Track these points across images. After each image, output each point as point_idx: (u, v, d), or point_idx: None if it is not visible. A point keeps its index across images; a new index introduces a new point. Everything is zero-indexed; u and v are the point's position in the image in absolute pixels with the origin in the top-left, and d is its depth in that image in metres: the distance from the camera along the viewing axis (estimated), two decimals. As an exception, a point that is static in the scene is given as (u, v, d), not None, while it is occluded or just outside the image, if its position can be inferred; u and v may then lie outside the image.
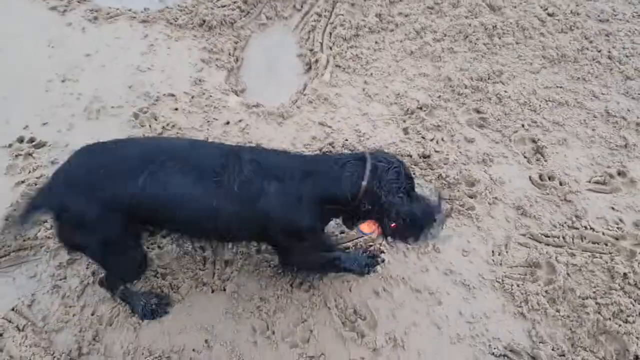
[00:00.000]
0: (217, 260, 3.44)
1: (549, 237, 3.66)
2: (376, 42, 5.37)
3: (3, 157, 4.02)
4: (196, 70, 4.96)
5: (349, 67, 5.06)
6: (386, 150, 3.98)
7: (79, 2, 5.65)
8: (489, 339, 3.14)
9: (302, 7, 5.83)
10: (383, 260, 3.43)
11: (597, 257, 3.53)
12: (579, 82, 4.93)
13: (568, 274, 3.42)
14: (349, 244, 3.59)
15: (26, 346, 2.98)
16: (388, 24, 5.56)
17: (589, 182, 4.06)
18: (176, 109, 4.51)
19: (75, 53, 5.06)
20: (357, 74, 5.02)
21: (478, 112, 4.61)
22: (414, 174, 4.03)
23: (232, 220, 2.71)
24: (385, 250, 3.52)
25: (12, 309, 3.17)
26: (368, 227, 2.93)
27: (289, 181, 2.71)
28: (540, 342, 3.11)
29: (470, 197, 3.90)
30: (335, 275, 3.37)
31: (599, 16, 5.65)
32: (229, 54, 5.18)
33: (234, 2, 5.65)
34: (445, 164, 4.12)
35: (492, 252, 3.58)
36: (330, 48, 5.28)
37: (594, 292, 3.33)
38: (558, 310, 3.25)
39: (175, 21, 5.50)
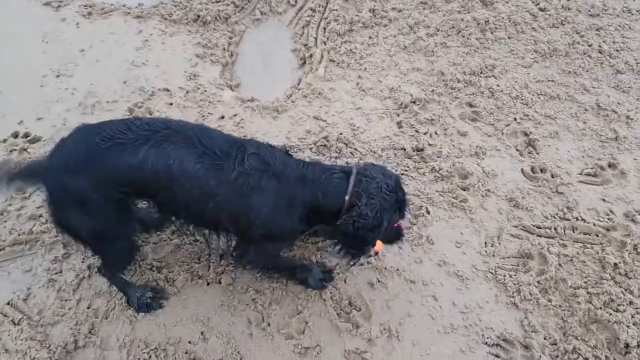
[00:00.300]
0: (212, 253, 3.46)
1: (540, 228, 3.69)
2: (370, 37, 5.40)
3: (-2, 152, 4.03)
4: (191, 65, 4.98)
5: (343, 62, 5.09)
6: (381, 162, 4.05)
7: (72, -3, 5.66)
8: (482, 328, 3.18)
9: (296, 2, 5.86)
10: (332, 279, 3.37)
11: (588, 248, 3.57)
12: (570, 76, 4.97)
13: (560, 265, 3.46)
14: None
15: (22, 340, 2.99)
16: (382, 19, 5.59)
17: (580, 174, 4.10)
18: (171, 104, 4.52)
19: (69, 48, 5.07)
20: (351, 68, 5.05)
21: (471, 105, 4.65)
22: (407, 167, 4.07)
23: (223, 206, 2.73)
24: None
25: (8, 303, 3.18)
26: None
27: (285, 182, 2.75)
28: (532, 332, 3.15)
29: (463, 189, 3.94)
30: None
31: (589, 11, 5.70)
32: (224, 49, 5.20)
33: (228, -2, 5.67)
34: (438, 157, 4.15)
35: (485, 243, 3.62)
36: (325, 43, 5.30)
37: (585, 282, 3.37)
38: (550, 300, 3.29)
39: (170, 16, 5.51)
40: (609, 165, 4.16)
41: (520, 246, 3.58)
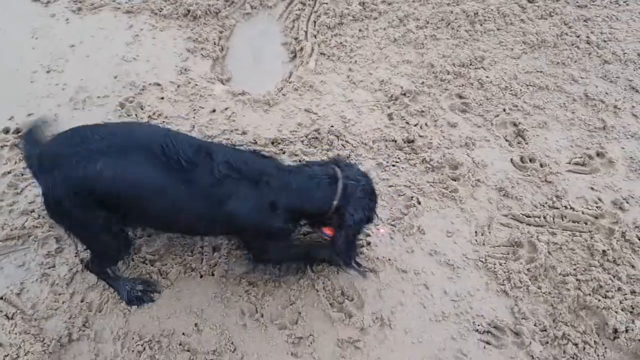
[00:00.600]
0: (205, 245, 3.48)
1: (530, 217, 3.73)
2: (360, 30, 5.42)
3: (-11, 148, 4.03)
4: (181, 60, 4.98)
5: (333, 55, 5.11)
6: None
7: (62, -7, 5.64)
8: (473, 316, 3.21)
9: (286, -4, 5.87)
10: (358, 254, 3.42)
11: (577, 236, 3.61)
12: (559, 67, 5.01)
13: (549, 252, 3.50)
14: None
15: (16, 333, 3.01)
16: (371, 12, 5.60)
17: (569, 163, 4.14)
18: (162, 98, 4.53)
19: (59, 44, 5.07)
20: (341, 61, 5.07)
21: (460, 97, 4.68)
22: (398, 159, 4.10)
23: (198, 218, 2.77)
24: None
25: (1, 298, 3.19)
26: (330, 231, 3.08)
27: (264, 187, 2.78)
28: (522, 318, 3.19)
29: (454, 179, 3.97)
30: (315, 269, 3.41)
31: (577, 2, 5.73)
32: (214, 43, 5.20)
33: (218, -8, 5.67)
34: (429, 148, 4.18)
35: (476, 232, 3.65)
36: (315, 36, 5.32)
37: (574, 269, 3.41)
38: (540, 287, 3.33)
39: (160, 11, 5.50)
40: (597, 154, 4.20)
41: (510, 235, 3.62)
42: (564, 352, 3.04)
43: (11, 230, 3.50)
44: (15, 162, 3.92)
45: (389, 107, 4.58)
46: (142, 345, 3.01)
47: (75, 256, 3.39)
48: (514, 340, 3.10)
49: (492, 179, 3.99)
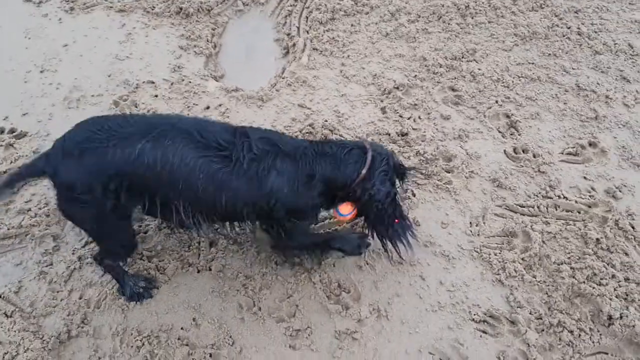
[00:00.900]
0: (202, 241, 3.50)
1: (524, 207, 3.77)
2: (352, 25, 5.44)
3: (-16, 148, 4.03)
4: (175, 57, 5.00)
5: (326, 50, 5.13)
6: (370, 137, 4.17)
7: (54, -7, 5.64)
8: (469, 305, 3.24)
9: (278, -8, 5.89)
10: (369, 245, 3.49)
11: (570, 225, 3.64)
12: (550, 58, 5.04)
13: (543, 242, 3.53)
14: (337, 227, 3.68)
15: (15, 331, 3.01)
16: (363, 7, 5.62)
17: (562, 153, 4.18)
18: (156, 96, 4.54)
19: (52, 44, 5.08)
20: (334, 56, 5.09)
21: (453, 90, 4.71)
22: (392, 152, 4.11)
23: (239, 197, 2.76)
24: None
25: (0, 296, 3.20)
26: (346, 208, 3.06)
27: (301, 160, 2.83)
28: (518, 307, 3.22)
29: (448, 171, 4.00)
30: (326, 258, 3.44)
31: (568, -6, 5.78)
32: (207, 41, 5.22)
33: (210, -11, 5.68)
34: (422, 141, 4.20)
35: (470, 223, 3.68)
36: (307, 32, 5.34)
37: (568, 258, 3.45)
38: (534, 276, 3.36)
39: (152, 9, 5.52)
40: (590, 144, 4.23)
41: (505, 225, 3.65)
42: (560, 339, 3.07)
43: (8, 229, 3.51)
44: (11, 162, 3.92)
45: (382, 101, 4.60)
46: (141, 341, 3.02)
47: (73, 254, 3.41)
48: (509, 329, 3.13)
49: (486, 170, 4.02)
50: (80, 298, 3.21)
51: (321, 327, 3.12)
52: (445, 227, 3.65)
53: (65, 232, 3.54)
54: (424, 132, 4.27)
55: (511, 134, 4.32)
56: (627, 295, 3.24)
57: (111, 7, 5.54)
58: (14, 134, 4.16)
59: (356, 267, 3.41)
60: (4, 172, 3.84)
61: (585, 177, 3.99)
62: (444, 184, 3.89)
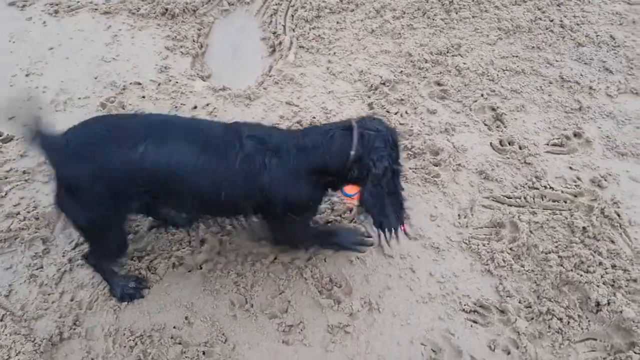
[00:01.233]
0: (193, 240, 3.50)
1: (511, 198, 3.81)
2: (337, 22, 5.46)
3: (-29, 153, 4.01)
4: (161, 58, 4.99)
5: (312, 48, 5.15)
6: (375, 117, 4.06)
7: (37, -4, 5.62)
8: (459, 296, 3.27)
9: (263, -9, 5.90)
10: (372, 244, 3.48)
11: (557, 214, 3.69)
12: (534, 51, 5.10)
13: (531, 231, 3.57)
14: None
15: (6, 335, 3.00)
16: (348, 4, 5.65)
17: (547, 144, 4.22)
18: (143, 97, 4.54)
19: (37, 47, 5.05)
20: (320, 53, 5.11)
21: (439, 84, 4.74)
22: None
23: (236, 194, 2.78)
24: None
25: (-10, 300, 3.19)
26: (352, 189, 2.99)
27: (285, 156, 2.78)
28: (507, 296, 3.26)
29: (435, 165, 4.03)
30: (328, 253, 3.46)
31: (550, -13, 5.83)
32: (193, 41, 5.22)
33: (195, -10, 5.68)
34: (410, 135, 4.23)
35: (458, 215, 3.72)
36: (293, 30, 5.35)
37: (555, 247, 3.49)
38: (523, 266, 3.40)
39: (138, 11, 5.50)
40: (575, 135, 4.28)
41: (492, 216, 3.69)
42: (549, 327, 3.11)
43: (-4, 233, 3.51)
44: (0, 165, 3.91)
45: (369, 97, 4.63)
46: (133, 341, 3.03)
47: (63, 256, 3.40)
48: (499, 318, 3.17)
49: (473, 163, 4.06)
50: (71, 300, 3.20)
51: (314, 321, 3.14)
52: (434, 220, 3.68)
53: (55, 235, 3.53)
54: (411, 126, 4.30)
55: (497, 127, 4.36)
56: (614, 282, 3.29)
57: (96, 9, 5.52)
58: (1, 138, 4.14)
59: (347, 261, 3.42)
60: (-8, 176, 3.84)
61: (570, 167, 4.03)
62: (432, 177, 3.92)
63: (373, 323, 3.14)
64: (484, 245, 3.50)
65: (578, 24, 5.34)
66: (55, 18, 5.40)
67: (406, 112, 4.44)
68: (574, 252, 3.42)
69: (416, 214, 3.69)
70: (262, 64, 5.12)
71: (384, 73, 4.85)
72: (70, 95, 4.55)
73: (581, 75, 4.80)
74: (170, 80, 4.73)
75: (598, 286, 3.25)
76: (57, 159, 2.65)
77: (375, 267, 3.41)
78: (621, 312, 3.10)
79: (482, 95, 4.61)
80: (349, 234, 3.48)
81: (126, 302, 3.20)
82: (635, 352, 2.96)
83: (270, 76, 4.82)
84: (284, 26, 5.41)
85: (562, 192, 3.82)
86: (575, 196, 3.81)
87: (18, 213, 3.62)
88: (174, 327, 3.11)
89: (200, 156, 2.68)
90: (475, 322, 3.17)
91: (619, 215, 3.66)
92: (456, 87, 4.68)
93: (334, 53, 5.10)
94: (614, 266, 3.39)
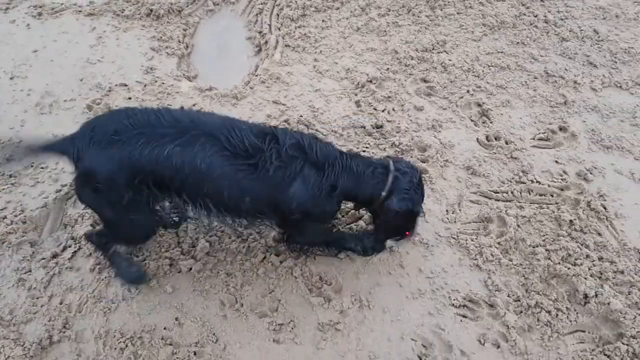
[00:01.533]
0: (182, 241, 3.50)
1: (498, 193, 3.83)
2: (323, 21, 5.47)
3: (-44, 157, 3.98)
4: (147, 59, 4.98)
5: (298, 46, 5.15)
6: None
7: (21, -2, 5.58)
8: (448, 291, 3.29)
9: (248, -10, 5.89)
10: (384, 248, 3.47)
11: (544, 208, 3.72)
12: (519, 47, 5.13)
13: (518, 226, 3.60)
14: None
15: (-5, 340, 2.99)
16: (333, 2, 5.67)
17: (533, 139, 4.26)
18: (129, 98, 4.52)
19: (21, 50, 5.02)
20: (306, 52, 5.12)
21: (425, 81, 4.76)
22: (368, 144, 4.16)
23: (261, 200, 2.83)
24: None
25: (-23, 306, 3.16)
26: None
27: (328, 170, 2.89)
28: (496, 290, 3.28)
29: (423, 161, 4.05)
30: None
31: (534, -17, 5.87)
32: (179, 41, 5.20)
33: (180, -10, 5.66)
34: (397, 132, 4.25)
35: (447, 211, 3.74)
36: (279, 29, 5.36)
37: (543, 240, 3.52)
38: (511, 260, 3.43)
39: (122, 12, 5.48)
40: (560, 129, 4.32)
41: (480, 211, 3.71)
42: (538, 320, 3.14)
43: (-18, 238, 3.48)
44: (-14, 171, 3.89)
45: (356, 95, 4.64)
46: (124, 342, 3.02)
47: (52, 259, 3.38)
48: (489, 312, 3.19)
49: (460, 159, 4.08)
50: (60, 303, 3.19)
51: (304, 320, 3.15)
52: (423, 216, 3.68)
53: (42, 239, 3.51)
54: (399, 123, 4.31)
55: (483, 122, 4.39)
56: (601, 274, 3.33)
57: (80, 11, 5.49)
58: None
59: (337, 259, 3.43)
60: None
61: (556, 161, 4.07)
62: (419, 173, 3.94)
63: (363, 320, 3.16)
64: (472, 240, 3.52)
65: (562, 19, 5.39)
66: (39, 20, 5.37)
67: (393, 109, 4.45)
68: (561, 245, 3.46)
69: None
70: (248, 64, 5.12)
71: (371, 70, 4.86)
72: (56, 97, 4.53)
73: (566, 69, 4.84)
74: (156, 81, 4.71)
75: (585, 278, 3.28)
76: (79, 150, 2.64)
77: (365, 264, 3.42)
78: (609, 303, 3.14)
79: (468, 91, 4.64)
80: (361, 238, 3.46)
81: (132, 285, 3.23)
82: (623, 343, 3.00)
83: (256, 75, 4.82)
84: (270, 25, 5.41)
85: (549, 186, 3.85)
86: (562, 190, 3.84)
87: (5, 217, 3.60)
88: (165, 328, 3.10)
89: (232, 159, 2.70)
90: (464, 316, 3.19)
91: (605, 208, 3.70)
92: (442, 84, 4.70)
93: (320, 51, 5.11)
94: (601, 258, 3.42)
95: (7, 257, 3.40)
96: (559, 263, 3.37)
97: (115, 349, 2.99)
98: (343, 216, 3.70)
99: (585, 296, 3.22)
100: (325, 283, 3.31)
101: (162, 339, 3.04)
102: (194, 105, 4.46)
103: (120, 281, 3.24)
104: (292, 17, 5.43)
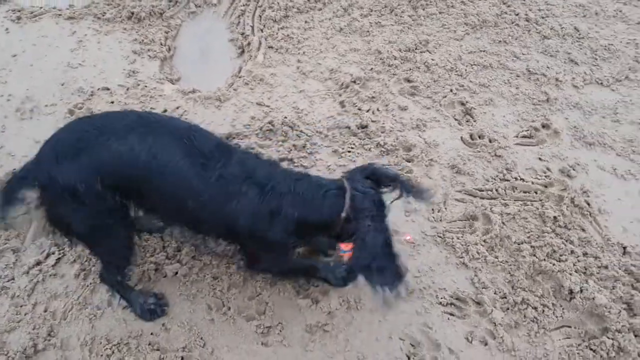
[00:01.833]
0: (167, 246, 3.47)
1: (483, 191, 3.85)
2: (306, 22, 5.47)
3: None
4: (129, 63, 4.93)
5: (281, 48, 5.14)
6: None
7: (-2, 3, 5.50)
8: (435, 290, 3.30)
9: (230, -8, 5.87)
10: (356, 278, 3.27)
11: (528, 205, 3.75)
12: (501, 45, 5.17)
13: (503, 223, 3.63)
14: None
15: (-22, 350, 2.95)
16: (316, 3, 5.66)
17: (517, 136, 4.29)
18: (112, 102, 4.48)
19: (0, 54, 4.94)
20: (290, 53, 5.11)
21: (409, 81, 4.77)
22: (353, 145, 4.16)
23: (204, 209, 2.70)
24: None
25: (-40, 316, 3.12)
26: (347, 246, 2.89)
27: (269, 192, 2.70)
28: (483, 288, 3.30)
29: (408, 161, 4.06)
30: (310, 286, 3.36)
31: (515, -18, 5.92)
32: (161, 44, 5.17)
33: (161, -8, 5.63)
34: (382, 132, 4.26)
35: (432, 210, 3.75)
36: (261, 30, 5.34)
37: (528, 237, 3.55)
38: (497, 257, 3.45)
39: (103, 15, 5.43)
40: (543, 126, 4.36)
41: (465, 209, 3.73)
42: (525, 316, 3.16)
43: (-35, 246, 3.42)
44: (-36, 179, 3.82)
45: (340, 95, 4.64)
46: (110, 349, 2.98)
47: (35, 266, 3.33)
48: (476, 310, 3.21)
49: (445, 158, 4.10)
50: (45, 311, 3.15)
51: (292, 322, 3.14)
52: (409, 215, 3.71)
53: (25, 246, 3.47)
54: (383, 123, 4.32)
55: (467, 121, 4.41)
56: (585, 269, 3.36)
57: (60, 14, 5.43)
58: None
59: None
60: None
61: (540, 158, 4.10)
62: (405, 173, 3.95)
63: (351, 321, 3.15)
64: (458, 239, 3.54)
65: (543, 17, 5.43)
66: (18, 24, 5.29)
67: (378, 110, 4.46)
68: (546, 242, 3.49)
69: (390, 210, 3.69)
70: (231, 65, 5.10)
71: (354, 71, 4.87)
72: (37, 103, 4.47)
73: (547, 67, 4.89)
74: (139, 85, 4.67)
75: (570, 274, 3.32)
76: (39, 171, 2.58)
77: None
78: (594, 298, 3.17)
79: (451, 90, 4.66)
80: (333, 268, 3.32)
81: (147, 320, 3.12)
82: (608, 338, 3.03)
83: (240, 77, 4.81)
84: (252, 27, 5.40)
85: (533, 183, 3.88)
86: (546, 187, 3.87)
87: (-14, 226, 3.55)
88: (151, 334, 3.07)
89: (181, 160, 2.62)
90: (452, 314, 3.20)
91: (588, 204, 3.74)
92: (426, 83, 4.72)
93: (304, 52, 5.10)
94: (585, 254, 3.46)
95: (-11, 266, 3.36)
96: (544, 259, 3.40)
97: (102, 355, 2.96)
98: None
99: (571, 292, 3.25)
100: (313, 285, 3.30)
101: (149, 344, 3.01)
102: (177, 107, 4.44)
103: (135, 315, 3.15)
104: (275, 18, 5.42)
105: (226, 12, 5.68)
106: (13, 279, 3.29)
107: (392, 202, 2.80)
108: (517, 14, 5.44)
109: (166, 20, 5.47)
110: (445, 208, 3.74)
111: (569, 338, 3.10)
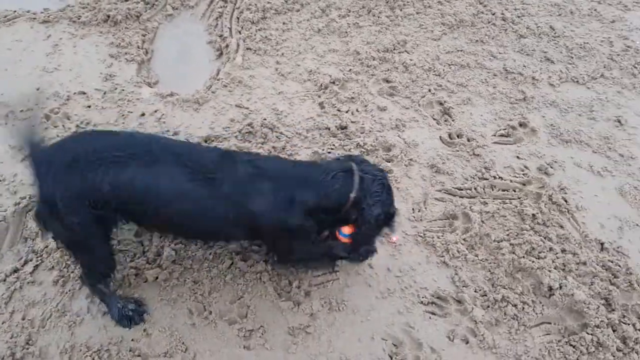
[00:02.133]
0: (147, 251, 3.44)
1: (462, 189, 3.89)
2: (284, 23, 5.46)
3: None
4: (106, 66, 4.87)
5: (259, 49, 5.13)
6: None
7: (-30, 7, 5.40)
8: (417, 289, 3.32)
9: (207, -6, 5.84)
10: (375, 251, 3.38)
11: (507, 203, 3.79)
12: (478, 45, 5.22)
13: (482, 221, 3.66)
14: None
15: (-45, 360, 2.90)
16: (294, 5, 5.66)
17: (494, 135, 4.34)
18: (89, 107, 4.42)
19: (-26, 59, 4.86)
20: (268, 55, 5.10)
21: (387, 81, 4.80)
22: (333, 145, 4.17)
23: (222, 221, 2.77)
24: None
25: None
26: (348, 230, 3.07)
27: (282, 183, 2.79)
28: (463, 286, 3.32)
29: (388, 161, 4.07)
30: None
31: (491, -19, 5.97)
32: (138, 47, 5.11)
33: (137, -5, 5.58)
34: (362, 133, 4.27)
35: (412, 209, 3.77)
36: (240, 32, 5.32)
37: (507, 235, 3.58)
38: (477, 255, 3.48)
39: (79, 19, 5.36)
40: (520, 125, 4.41)
41: (445, 208, 3.76)
42: (505, 313, 3.19)
43: (-61, 257, 3.36)
44: (-60, 185, 3.75)
45: (319, 96, 4.64)
46: (90, 356, 2.94)
47: (12, 274, 3.28)
48: (457, 308, 3.23)
49: (424, 157, 4.13)
50: (23, 319, 3.09)
51: (274, 325, 3.13)
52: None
53: (2, 253, 3.40)
54: (363, 124, 4.34)
55: (445, 121, 4.45)
56: (564, 266, 3.41)
57: (34, 18, 5.35)
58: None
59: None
60: None
61: (518, 157, 4.15)
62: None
63: (334, 322, 3.15)
64: (438, 238, 3.56)
65: (519, 16, 5.50)
66: (-9, 29, 5.22)
67: (357, 110, 4.47)
68: (525, 239, 3.52)
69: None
70: (209, 68, 5.07)
71: (333, 72, 4.87)
72: (12, 108, 4.38)
73: (524, 66, 4.95)
74: (116, 89, 4.62)
75: (550, 271, 3.36)
76: (39, 174, 2.59)
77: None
78: (572, 295, 3.22)
79: (429, 90, 4.70)
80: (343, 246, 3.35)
81: (124, 326, 3.09)
82: (587, 333, 3.08)
83: (218, 80, 4.78)
84: (230, 29, 5.37)
85: (511, 181, 3.93)
86: (524, 184, 3.92)
87: (-37, 236, 3.48)
88: (132, 340, 3.04)
89: (188, 182, 2.66)
90: (433, 313, 3.22)
91: (566, 201, 3.79)
92: (404, 84, 4.75)
93: (282, 54, 5.10)
94: (563, 250, 3.50)
95: (-35, 274, 3.30)
96: (524, 257, 3.44)
97: (82, 363, 2.93)
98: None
99: (550, 288, 3.29)
100: (295, 287, 3.30)
101: (130, 350, 2.98)
102: (155, 111, 4.40)
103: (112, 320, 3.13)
104: (253, 20, 5.41)
105: (204, 14, 5.65)
106: (-10, 287, 3.24)
107: None
108: (493, 14, 5.50)
109: (143, 23, 5.42)
110: (426, 207, 3.76)
111: (549, 334, 3.14)
